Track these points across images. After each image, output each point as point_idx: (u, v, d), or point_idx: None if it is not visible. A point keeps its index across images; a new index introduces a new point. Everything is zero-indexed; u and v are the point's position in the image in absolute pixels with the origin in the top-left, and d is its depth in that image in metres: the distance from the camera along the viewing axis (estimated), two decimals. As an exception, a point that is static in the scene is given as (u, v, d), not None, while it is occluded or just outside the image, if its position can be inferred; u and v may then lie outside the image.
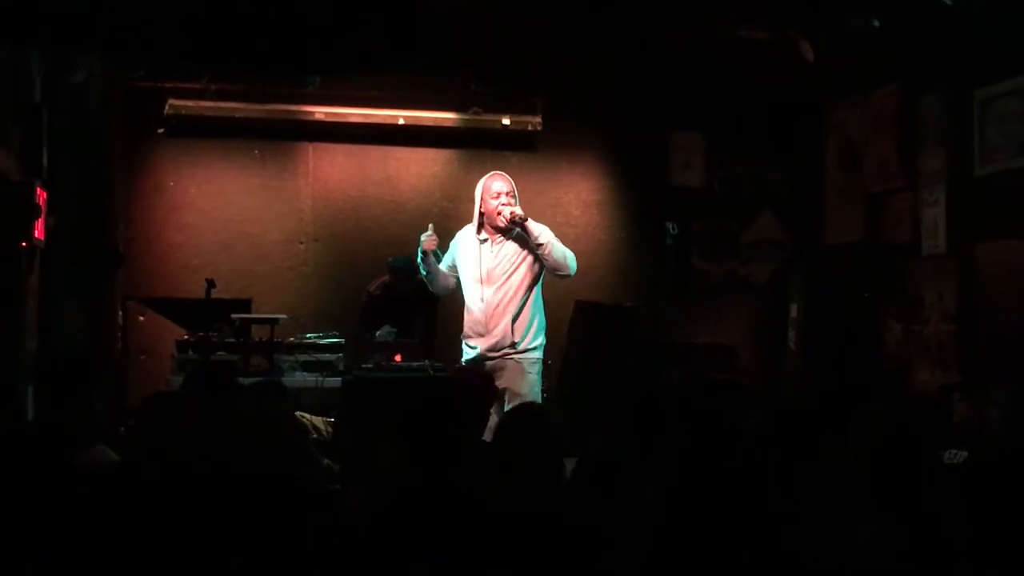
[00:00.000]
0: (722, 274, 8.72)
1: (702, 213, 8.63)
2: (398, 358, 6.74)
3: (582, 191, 8.49)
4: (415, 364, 6.65)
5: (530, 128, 8.28)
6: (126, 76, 7.53)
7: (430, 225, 6.18)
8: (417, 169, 8.36)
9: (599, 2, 7.34)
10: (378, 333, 6.74)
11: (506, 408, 5.64)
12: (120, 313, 7.47)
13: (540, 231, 5.90)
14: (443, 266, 6.15)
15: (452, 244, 6.14)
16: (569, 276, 6.08)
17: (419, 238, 6.13)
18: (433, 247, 6.08)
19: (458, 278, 6.13)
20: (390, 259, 7.53)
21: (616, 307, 7.84)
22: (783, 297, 8.14)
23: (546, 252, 5.86)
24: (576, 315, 7.75)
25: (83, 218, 6.75)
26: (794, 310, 7.90)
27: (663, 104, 8.42)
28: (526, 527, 2.81)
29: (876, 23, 7.07)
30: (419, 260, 6.14)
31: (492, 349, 5.89)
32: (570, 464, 3.67)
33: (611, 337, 7.54)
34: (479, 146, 8.32)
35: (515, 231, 5.92)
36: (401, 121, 8.13)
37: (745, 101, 8.40)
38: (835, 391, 6.77)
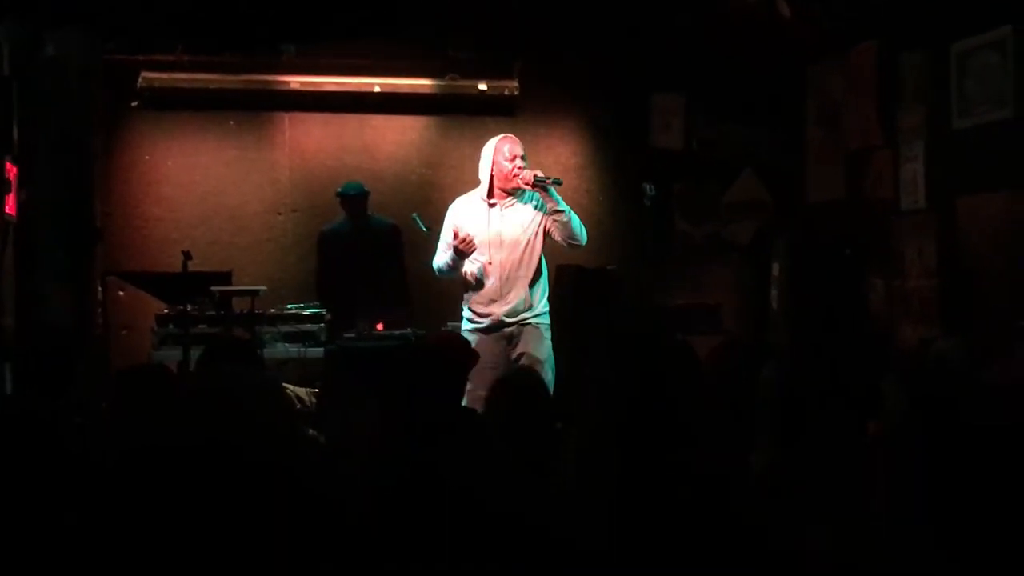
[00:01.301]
0: (705, 235, 8.72)
1: (683, 175, 8.61)
2: (380, 326, 6.72)
3: (561, 155, 8.45)
4: (397, 332, 6.63)
5: (507, 93, 8.22)
6: (99, 49, 7.44)
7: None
8: (394, 137, 8.32)
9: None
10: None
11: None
12: (100, 288, 7.43)
13: (559, 197, 5.77)
14: (443, 243, 5.86)
15: (450, 217, 5.86)
16: (581, 246, 5.94)
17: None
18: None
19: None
20: (338, 189, 7.50)
21: (599, 270, 7.82)
22: (766, 257, 8.15)
23: (564, 219, 5.71)
24: (559, 279, 7.72)
25: (59, 193, 6.70)
26: (776, 269, 7.90)
27: (643, 66, 8.37)
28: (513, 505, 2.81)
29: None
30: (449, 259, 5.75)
31: (510, 315, 5.70)
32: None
33: (594, 300, 7.53)
34: (456, 112, 8.27)
35: (525, 195, 5.77)
36: (377, 89, 8.06)
37: (725, 62, 8.35)
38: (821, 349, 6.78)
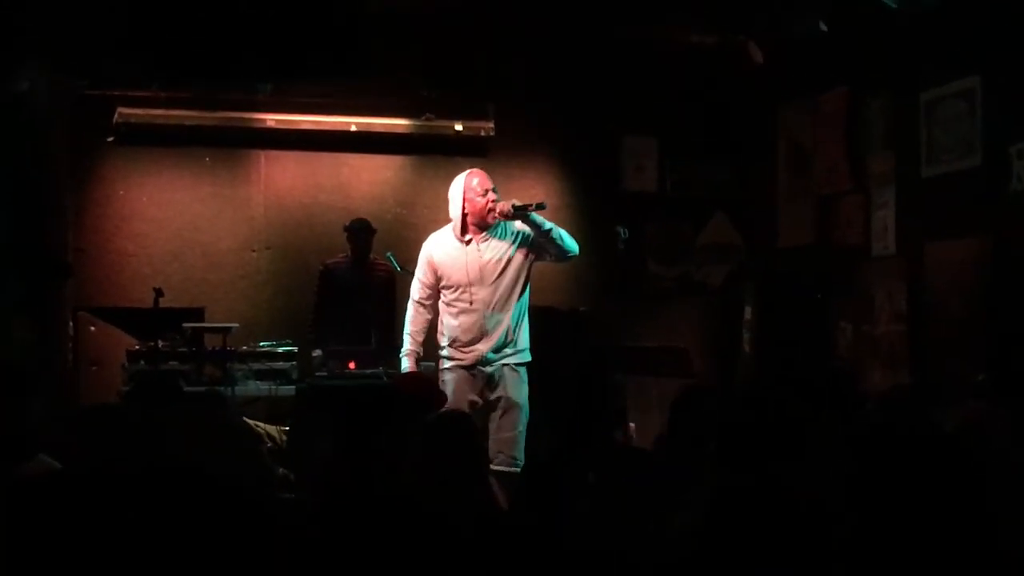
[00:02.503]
0: (676, 277, 8.76)
1: (656, 217, 8.67)
2: (352, 365, 6.71)
3: (535, 196, 8.42)
4: (368, 371, 6.61)
5: (483, 134, 8.28)
6: (72, 84, 7.45)
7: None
8: (369, 176, 8.34)
9: (549, 7, 7.37)
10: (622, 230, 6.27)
11: (514, 418, 5.63)
12: (71, 324, 7.40)
13: (542, 218, 5.68)
14: (421, 287, 5.81)
15: (425, 253, 5.80)
16: (575, 256, 5.83)
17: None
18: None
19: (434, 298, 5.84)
20: (346, 224, 7.52)
21: (570, 312, 7.84)
22: (737, 300, 8.20)
23: (553, 237, 5.62)
24: (531, 320, 7.74)
25: (25, 228, 6.68)
26: (748, 312, 7.95)
27: (615, 109, 8.45)
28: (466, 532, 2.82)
29: (824, 27, 7.14)
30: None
31: (494, 350, 5.65)
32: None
33: (565, 342, 7.53)
34: (432, 152, 8.31)
35: (499, 228, 5.70)
36: (353, 128, 8.10)
37: (697, 105, 8.44)
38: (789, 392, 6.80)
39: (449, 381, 5.70)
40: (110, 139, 7.84)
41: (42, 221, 6.97)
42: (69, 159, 7.56)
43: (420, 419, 3.77)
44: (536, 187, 8.52)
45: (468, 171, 5.84)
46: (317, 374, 6.70)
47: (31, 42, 6.24)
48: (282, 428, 6.72)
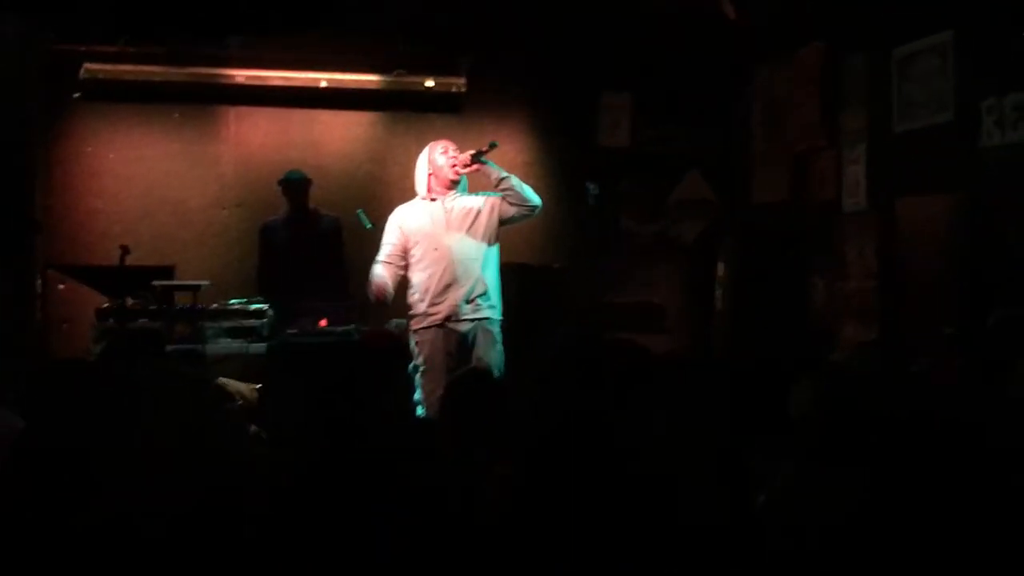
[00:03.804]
0: (651, 234, 8.74)
1: (630, 174, 8.64)
2: (323, 323, 6.69)
3: (508, 152, 8.42)
4: (340, 329, 6.60)
5: (454, 90, 8.21)
6: (40, 39, 7.34)
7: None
8: (340, 132, 8.28)
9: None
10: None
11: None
12: (39, 281, 7.34)
13: (499, 167, 5.86)
14: (387, 245, 5.83)
15: (393, 220, 5.86)
16: (537, 209, 5.89)
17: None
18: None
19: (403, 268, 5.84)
20: (279, 177, 7.50)
21: (545, 268, 7.83)
22: (712, 257, 8.20)
23: (509, 186, 5.77)
24: (505, 277, 7.73)
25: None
26: (721, 269, 7.96)
27: (591, 65, 8.39)
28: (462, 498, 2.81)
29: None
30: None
31: (466, 299, 5.66)
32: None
33: (541, 299, 7.53)
34: (403, 108, 8.25)
35: (462, 187, 5.86)
36: (324, 84, 8.02)
37: (673, 62, 8.39)
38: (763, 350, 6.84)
39: (423, 341, 5.68)
40: (76, 95, 7.73)
41: (10, 177, 6.88)
42: (38, 115, 7.45)
43: (389, 374, 3.75)
44: (508, 143, 8.45)
45: (429, 144, 6.00)
46: (288, 331, 6.67)
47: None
48: (253, 386, 6.69)
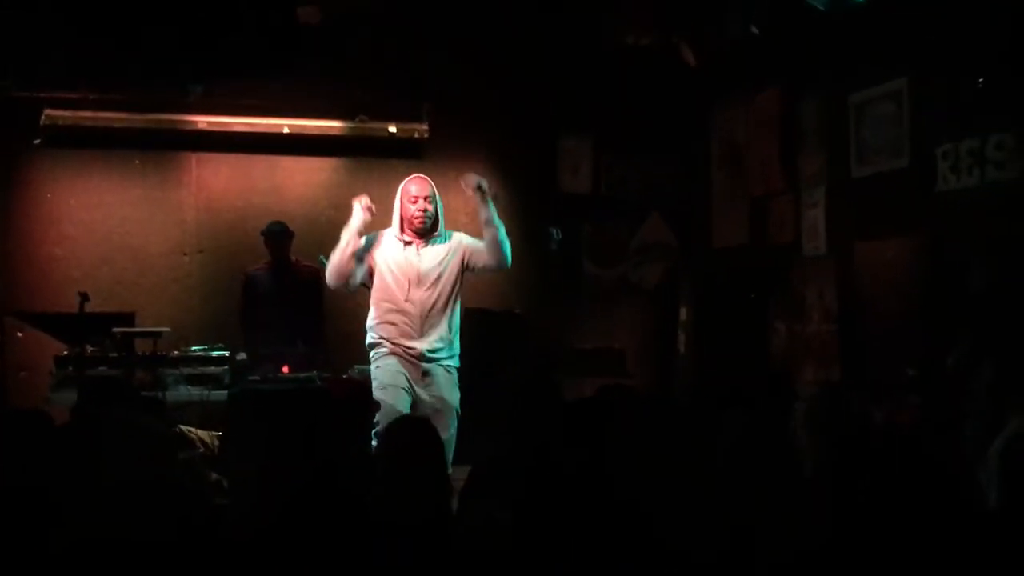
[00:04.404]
0: (613, 278, 8.78)
1: (592, 218, 8.68)
2: (286, 369, 6.63)
3: (470, 198, 8.31)
4: (302, 375, 6.54)
5: (417, 136, 8.24)
6: (-1, 85, 7.33)
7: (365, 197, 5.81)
8: (303, 178, 8.27)
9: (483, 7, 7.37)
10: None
11: (447, 421, 5.60)
12: (-2, 329, 7.27)
13: (493, 211, 5.73)
14: (349, 248, 5.76)
15: (371, 239, 5.80)
16: (505, 268, 5.89)
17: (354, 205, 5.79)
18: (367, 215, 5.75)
19: (366, 278, 5.80)
20: (262, 228, 7.48)
21: (506, 313, 7.83)
22: (673, 300, 8.24)
23: (493, 234, 5.66)
24: (466, 322, 7.72)
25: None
26: (683, 313, 8.00)
27: (550, 110, 8.45)
28: (413, 536, 2.79)
29: (755, 30, 7.20)
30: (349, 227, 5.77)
31: (429, 350, 5.63)
32: (464, 472, 3.66)
33: (502, 344, 7.53)
34: (366, 154, 8.25)
35: (440, 236, 5.74)
36: (286, 130, 8.03)
37: (632, 105, 8.47)
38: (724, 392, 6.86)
39: (383, 365, 5.63)
40: (37, 141, 7.70)
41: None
42: (-3, 161, 7.42)
43: (354, 422, 3.73)
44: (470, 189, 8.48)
45: (411, 176, 5.88)
46: (250, 378, 6.62)
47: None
48: (214, 434, 6.64)
